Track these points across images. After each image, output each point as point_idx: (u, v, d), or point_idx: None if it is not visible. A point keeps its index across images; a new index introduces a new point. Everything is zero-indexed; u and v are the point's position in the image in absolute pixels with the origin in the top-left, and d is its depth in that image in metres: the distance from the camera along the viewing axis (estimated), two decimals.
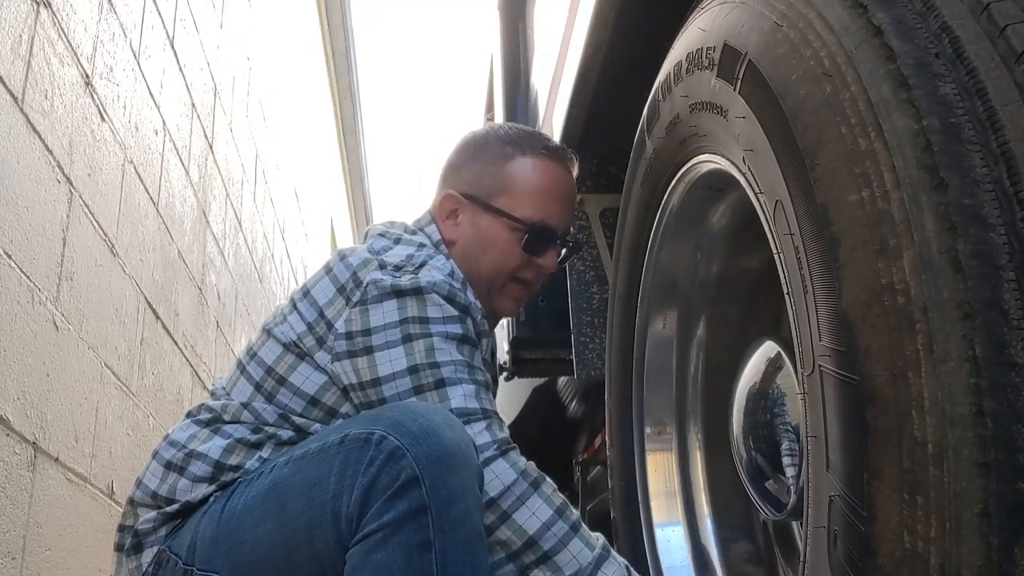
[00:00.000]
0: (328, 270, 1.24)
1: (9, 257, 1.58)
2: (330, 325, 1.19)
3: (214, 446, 1.19)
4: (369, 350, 1.16)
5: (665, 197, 1.35)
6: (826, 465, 0.78)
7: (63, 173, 1.82)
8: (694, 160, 1.20)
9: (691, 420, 1.50)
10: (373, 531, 1.01)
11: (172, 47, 2.65)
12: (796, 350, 0.85)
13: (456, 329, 1.18)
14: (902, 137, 0.72)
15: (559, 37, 1.95)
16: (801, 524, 1.02)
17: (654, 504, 1.49)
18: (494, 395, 1.29)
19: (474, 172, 1.35)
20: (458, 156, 1.40)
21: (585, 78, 1.71)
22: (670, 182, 1.32)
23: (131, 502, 1.22)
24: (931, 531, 0.66)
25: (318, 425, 1.20)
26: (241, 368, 1.26)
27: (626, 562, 1.13)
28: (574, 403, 2.95)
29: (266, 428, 1.20)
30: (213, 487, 1.17)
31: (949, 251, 0.68)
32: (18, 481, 1.64)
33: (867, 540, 0.71)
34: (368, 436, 1.04)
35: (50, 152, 1.76)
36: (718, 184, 1.25)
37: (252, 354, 1.26)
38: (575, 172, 1.40)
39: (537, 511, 1.10)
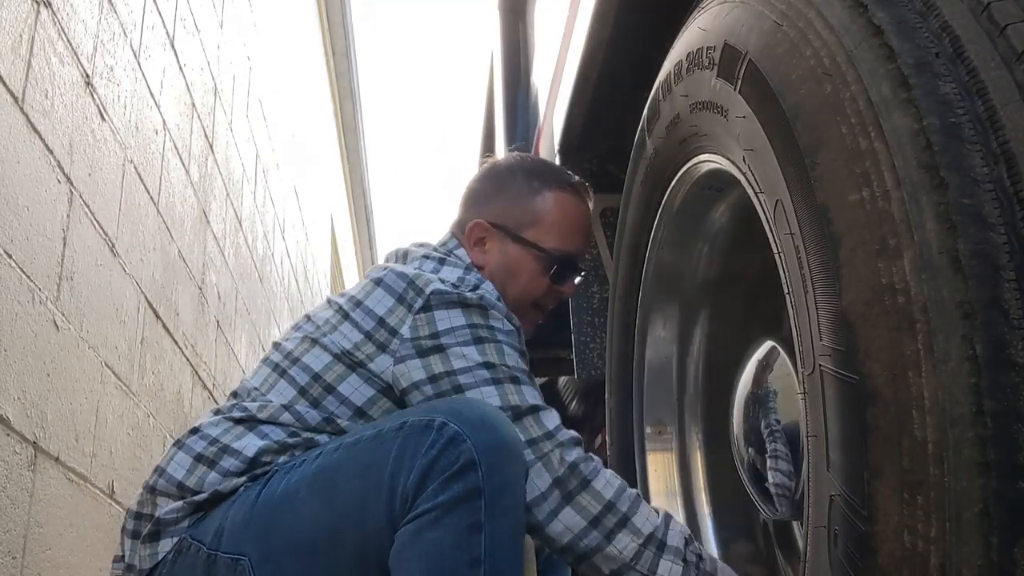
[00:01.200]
0: (378, 282, 1.27)
1: (9, 257, 1.58)
2: (393, 332, 1.22)
3: (250, 444, 1.20)
4: (440, 348, 1.21)
5: (665, 197, 1.35)
6: (826, 465, 0.78)
7: (63, 173, 1.82)
8: (694, 160, 1.20)
9: (691, 420, 1.50)
10: (427, 510, 1.04)
11: (172, 47, 2.65)
12: (796, 350, 0.85)
13: (516, 343, 1.26)
14: (902, 137, 0.72)
15: (559, 37, 1.95)
16: (801, 524, 1.02)
17: (654, 504, 1.49)
18: None
19: (503, 203, 1.44)
20: (485, 185, 1.49)
21: (585, 78, 1.71)
22: (670, 182, 1.32)
23: (151, 490, 1.22)
24: (931, 531, 0.66)
25: None
26: (280, 371, 1.27)
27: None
28: (574, 403, 2.95)
29: (305, 433, 1.22)
30: (244, 479, 1.18)
31: (949, 251, 0.68)
32: (18, 481, 1.64)
33: (867, 540, 0.71)
34: (429, 422, 1.08)
35: (50, 152, 1.76)
36: (718, 184, 1.25)
37: (294, 359, 1.27)
38: (591, 205, 1.50)
39: (609, 480, 1.17)
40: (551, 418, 1.20)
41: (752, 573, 1.41)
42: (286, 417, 1.23)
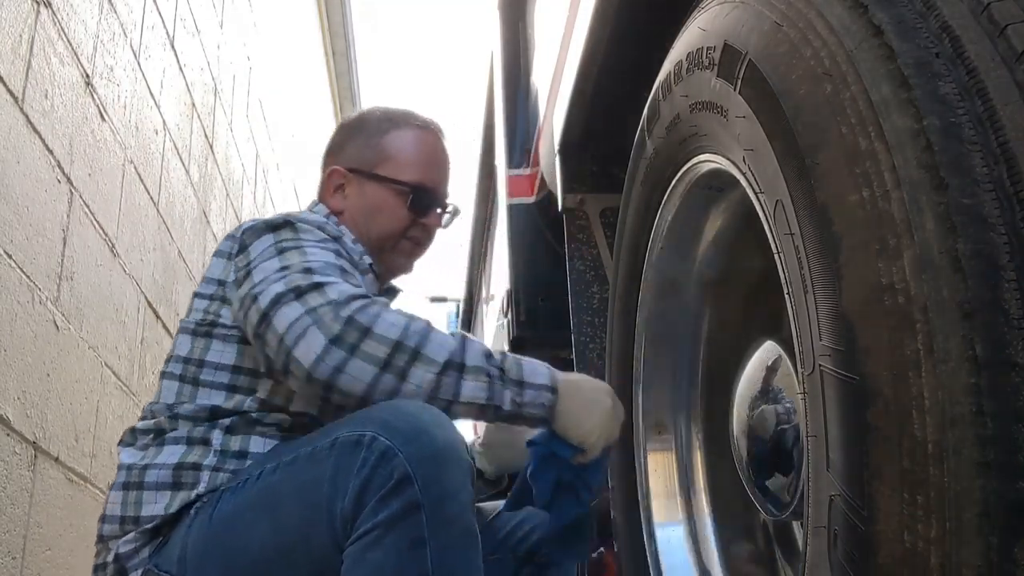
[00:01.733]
0: (216, 253, 1.33)
1: (9, 257, 1.58)
2: (223, 283, 1.27)
3: (168, 452, 1.20)
4: (248, 273, 1.22)
5: (665, 197, 1.35)
6: (826, 465, 0.78)
7: (63, 173, 1.82)
8: (694, 160, 1.20)
9: (691, 420, 1.50)
10: (368, 531, 1.02)
11: (172, 47, 2.65)
12: (796, 350, 0.85)
13: (330, 246, 1.26)
14: (902, 137, 0.72)
15: (559, 37, 1.95)
16: (801, 524, 1.02)
17: (654, 504, 1.49)
18: None
19: (356, 147, 1.50)
20: (339, 135, 1.56)
21: (585, 78, 1.71)
22: (670, 182, 1.32)
23: (101, 539, 1.22)
24: (931, 531, 0.66)
25: (249, 400, 1.23)
26: (161, 376, 1.30)
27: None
28: None
29: (206, 421, 1.22)
30: (180, 494, 1.17)
31: (949, 251, 0.68)
32: (18, 481, 1.64)
33: (867, 540, 0.71)
34: (359, 438, 1.06)
35: (50, 152, 1.76)
36: (718, 184, 1.25)
37: (168, 357, 1.30)
38: (446, 146, 1.55)
39: (393, 321, 1.14)
40: (337, 289, 1.15)
41: (752, 573, 1.41)
42: (182, 413, 1.23)
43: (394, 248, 1.46)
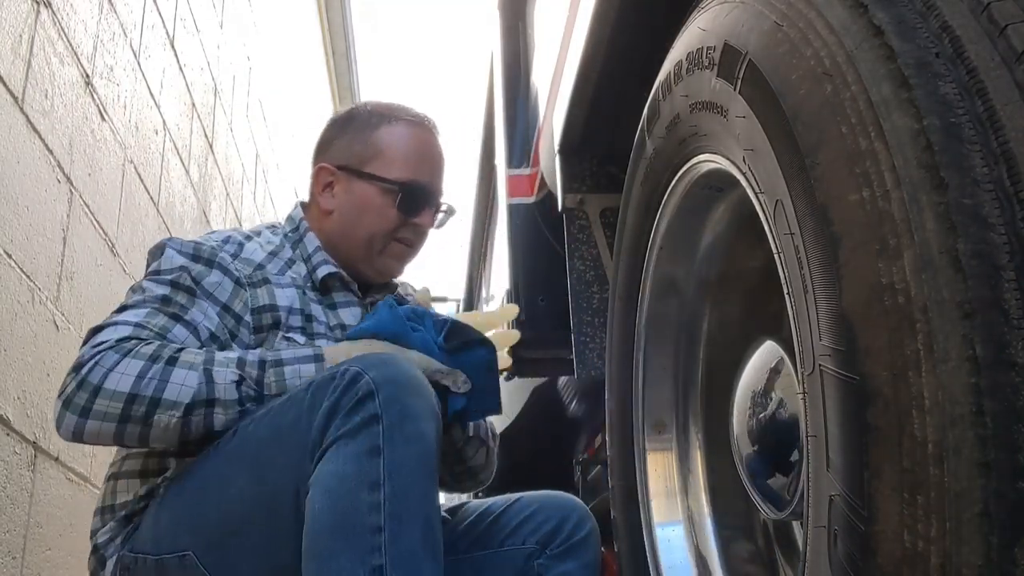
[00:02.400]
0: None
1: (9, 257, 1.58)
2: None
3: (134, 468, 1.24)
4: None
5: (665, 197, 1.35)
6: (826, 465, 0.78)
7: (63, 173, 1.82)
8: (694, 160, 1.20)
9: (691, 420, 1.50)
10: (330, 444, 1.04)
11: (172, 47, 2.65)
12: (796, 350, 0.85)
13: (169, 277, 1.25)
14: (902, 137, 0.72)
15: (559, 37, 1.95)
16: (801, 524, 1.02)
17: (654, 504, 1.49)
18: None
19: (345, 143, 1.45)
20: (328, 131, 1.50)
21: (585, 78, 1.71)
22: (670, 182, 1.32)
23: (91, 536, 1.24)
24: (931, 531, 0.66)
25: None
26: None
27: (241, 355, 1.19)
28: (574, 403, 2.95)
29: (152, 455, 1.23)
30: (149, 479, 1.20)
31: (949, 251, 0.68)
32: (18, 481, 1.64)
33: (867, 540, 0.71)
34: (333, 373, 1.08)
35: (50, 152, 1.76)
36: (718, 184, 1.25)
37: None
38: (439, 140, 1.50)
39: (126, 371, 1.13)
40: (103, 335, 1.17)
41: (752, 573, 1.41)
42: (128, 458, 1.25)
43: (383, 250, 1.42)
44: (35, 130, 1.68)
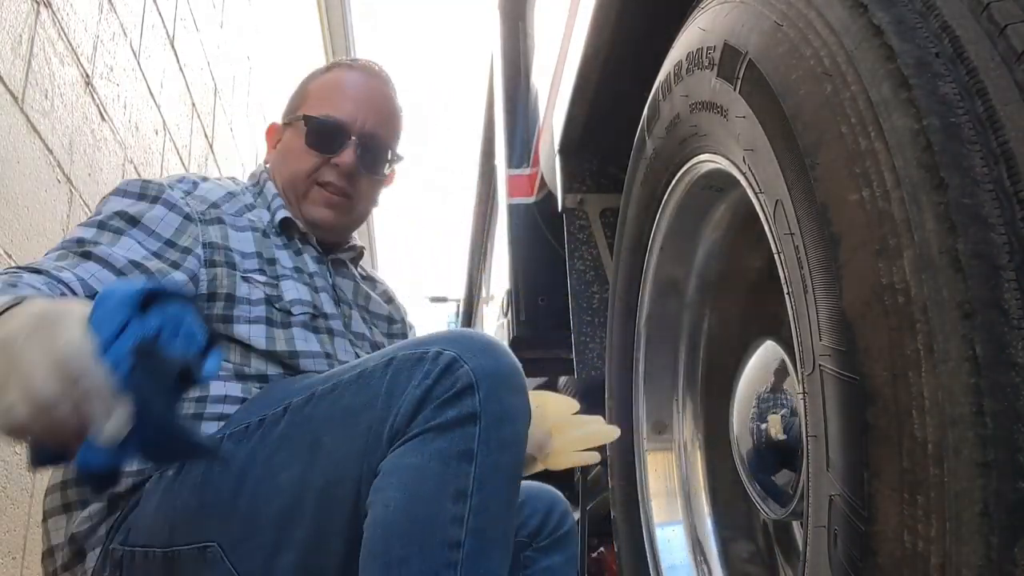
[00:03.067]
0: None
1: (9, 257, 1.58)
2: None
3: None
4: None
5: (665, 197, 1.35)
6: (826, 465, 0.78)
7: (63, 173, 1.82)
8: (694, 160, 1.20)
9: (691, 420, 1.50)
10: (413, 435, 0.92)
11: (172, 47, 2.65)
12: (796, 350, 0.85)
13: (98, 218, 1.17)
14: (902, 137, 0.72)
15: (559, 37, 1.95)
16: (801, 524, 1.02)
17: (654, 504, 1.49)
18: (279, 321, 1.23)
19: (289, 100, 1.45)
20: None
21: (585, 78, 1.71)
22: (670, 182, 1.32)
23: (43, 519, 1.12)
24: (931, 531, 0.66)
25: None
26: None
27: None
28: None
29: None
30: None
31: (949, 251, 0.68)
32: (18, 481, 1.64)
33: (867, 540, 0.71)
34: (423, 354, 0.96)
35: (50, 152, 1.76)
36: (718, 184, 1.25)
37: None
38: (388, 87, 1.42)
39: None
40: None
41: (752, 573, 1.41)
42: None
43: (306, 195, 1.35)
44: (35, 130, 1.68)
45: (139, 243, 1.15)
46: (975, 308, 0.66)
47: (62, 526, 1.09)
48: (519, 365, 0.99)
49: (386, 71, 1.44)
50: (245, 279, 1.22)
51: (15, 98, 1.60)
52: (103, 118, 2.05)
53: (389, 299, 1.56)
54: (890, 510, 0.69)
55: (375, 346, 1.40)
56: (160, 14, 2.52)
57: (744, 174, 0.97)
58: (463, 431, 0.92)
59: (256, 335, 1.20)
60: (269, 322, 1.22)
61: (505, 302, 2.73)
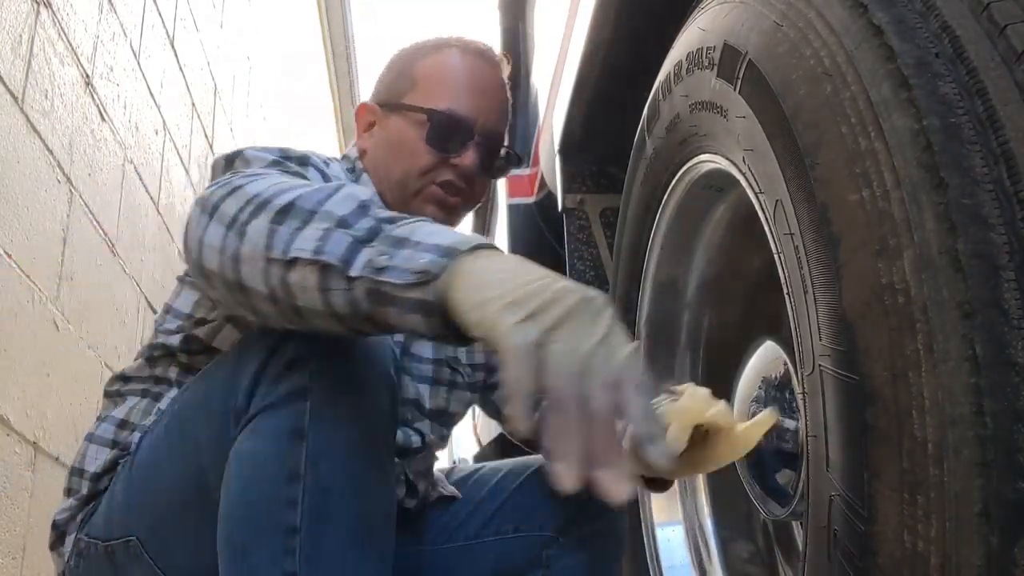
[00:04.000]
0: None
1: (9, 257, 1.58)
2: None
3: (121, 408, 1.11)
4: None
5: (665, 197, 1.35)
6: (826, 465, 0.78)
7: (63, 173, 1.82)
8: (694, 160, 1.20)
9: None
10: (253, 415, 0.87)
11: (172, 47, 2.65)
12: (796, 350, 0.85)
13: (267, 161, 1.01)
14: (902, 137, 0.72)
15: (559, 37, 1.95)
16: (801, 524, 1.02)
17: (654, 504, 1.49)
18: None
19: (387, 79, 1.27)
20: (381, 72, 1.30)
21: (585, 78, 1.71)
22: (670, 182, 1.32)
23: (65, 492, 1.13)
24: (931, 531, 0.66)
25: (178, 338, 1.08)
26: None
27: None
28: None
29: (157, 367, 1.10)
30: (113, 452, 1.07)
31: (949, 251, 0.68)
32: (18, 481, 1.64)
33: (867, 540, 0.71)
34: (264, 329, 0.88)
35: (50, 152, 1.76)
36: (718, 184, 1.25)
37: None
38: (504, 71, 1.29)
39: (277, 181, 0.84)
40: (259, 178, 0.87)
41: (752, 573, 1.41)
42: (140, 362, 1.12)
43: (419, 193, 1.19)
44: (35, 130, 1.68)
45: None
46: (975, 308, 0.66)
47: (59, 507, 1.10)
48: (377, 341, 0.89)
49: (497, 54, 1.30)
50: None
51: (15, 98, 1.60)
52: (103, 118, 2.05)
53: None
54: (890, 510, 0.69)
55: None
56: (160, 14, 2.52)
57: (744, 174, 0.97)
58: (292, 408, 0.84)
59: None
60: None
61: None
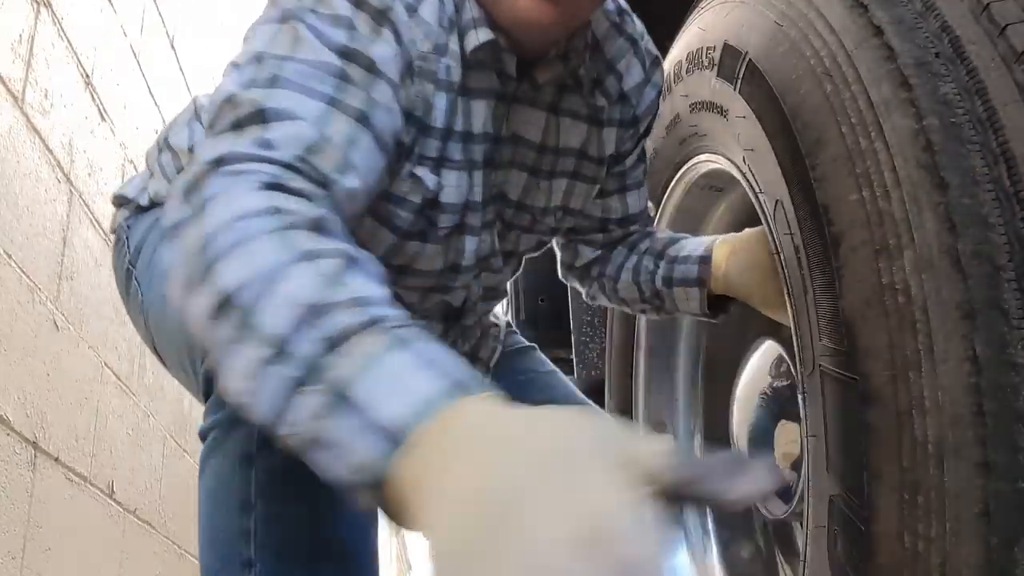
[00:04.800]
0: None
1: (9, 257, 1.58)
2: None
3: (187, 134, 1.15)
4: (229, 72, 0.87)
5: (665, 197, 1.35)
6: (826, 465, 0.78)
7: (63, 173, 1.82)
8: (694, 160, 1.20)
9: (691, 420, 1.50)
10: (211, 426, 0.80)
11: (172, 47, 2.65)
12: (796, 350, 0.85)
13: (342, 31, 0.80)
14: (902, 137, 0.72)
15: None
16: (801, 524, 1.02)
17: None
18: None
19: None
20: None
21: None
22: (670, 182, 1.32)
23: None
24: (931, 531, 0.66)
25: None
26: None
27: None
28: None
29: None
30: (160, 183, 1.08)
31: (949, 251, 0.68)
32: (18, 481, 1.64)
33: (867, 540, 0.71)
34: None
35: (50, 152, 1.76)
36: (718, 184, 1.25)
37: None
38: None
39: (236, 204, 0.64)
40: (272, 129, 0.73)
41: (752, 573, 1.41)
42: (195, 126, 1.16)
43: None
44: (35, 130, 1.68)
45: (392, 100, 0.81)
46: (975, 308, 0.66)
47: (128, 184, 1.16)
48: None
49: None
50: (413, 175, 0.89)
51: (15, 98, 1.60)
52: (103, 118, 2.05)
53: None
54: (890, 510, 0.69)
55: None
56: (160, 14, 2.52)
57: (744, 174, 0.97)
58: (244, 430, 0.75)
59: None
60: None
61: (505, 302, 2.73)
